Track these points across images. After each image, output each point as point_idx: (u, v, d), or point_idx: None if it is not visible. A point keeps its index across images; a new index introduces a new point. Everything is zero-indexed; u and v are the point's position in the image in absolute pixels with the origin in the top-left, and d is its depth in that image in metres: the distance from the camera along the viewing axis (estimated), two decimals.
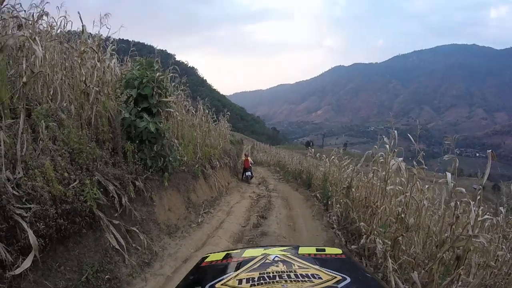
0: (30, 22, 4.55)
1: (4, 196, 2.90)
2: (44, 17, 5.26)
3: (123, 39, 7.33)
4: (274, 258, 1.40)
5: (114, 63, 6.49)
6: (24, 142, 3.50)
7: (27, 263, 2.84)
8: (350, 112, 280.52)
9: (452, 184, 3.48)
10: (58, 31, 5.83)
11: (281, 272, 1.22)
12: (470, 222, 3.08)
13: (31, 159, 3.51)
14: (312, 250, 1.59)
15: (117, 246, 4.34)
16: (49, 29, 5.52)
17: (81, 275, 3.63)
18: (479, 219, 3.17)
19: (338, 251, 1.61)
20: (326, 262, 1.41)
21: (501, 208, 4.23)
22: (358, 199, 7.06)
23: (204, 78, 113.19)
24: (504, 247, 4.06)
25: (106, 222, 4.31)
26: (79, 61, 5.28)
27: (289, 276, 1.18)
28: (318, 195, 10.83)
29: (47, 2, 5.13)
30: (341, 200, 7.88)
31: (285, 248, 1.57)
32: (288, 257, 1.41)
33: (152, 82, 6.12)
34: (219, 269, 1.43)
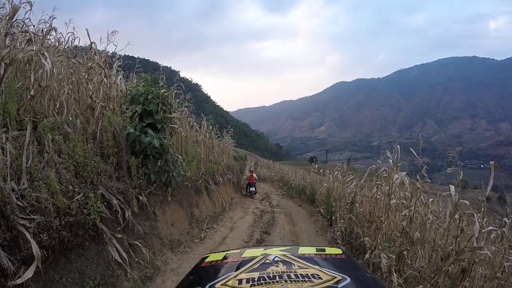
0: (39, 36, 4.66)
1: (8, 207, 2.92)
2: (52, 32, 5.40)
3: (129, 55, 7.47)
4: (274, 258, 1.40)
5: (120, 79, 6.59)
6: (29, 154, 3.54)
7: (29, 273, 2.83)
8: (353, 127, 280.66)
9: (456, 196, 3.46)
10: (66, 46, 5.96)
11: (281, 272, 1.22)
12: (474, 234, 3.06)
13: (36, 171, 3.54)
14: (312, 250, 1.59)
15: (119, 260, 4.32)
16: (57, 44, 5.65)
17: (82, 287, 3.61)
18: (483, 230, 3.15)
19: (338, 251, 1.60)
20: (326, 262, 1.40)
21: (505, 219, 4.18)
22: (362, 214, 7.02)
23: (208, 95, 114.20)
24: (510, 258, 4.00)
25: (109, 235, 4.31)
26: (86, 76, 5.38)
27: (289, 276, 1.18)
28: (321, 210, 10.76)
29: (54, 18, 5.27)
30: (345, 215, 7.82)
31: (285, 248, 1.57)
32: (288, 257, 1.41)
33: (157, 98, 6.21)
34: (219, 269, 1.43)
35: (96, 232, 4.10)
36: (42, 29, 5.12)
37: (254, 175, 17.46)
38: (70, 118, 4.89)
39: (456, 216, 3.51)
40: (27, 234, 2.91)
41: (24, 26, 4.50)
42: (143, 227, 5.43)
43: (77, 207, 3.77)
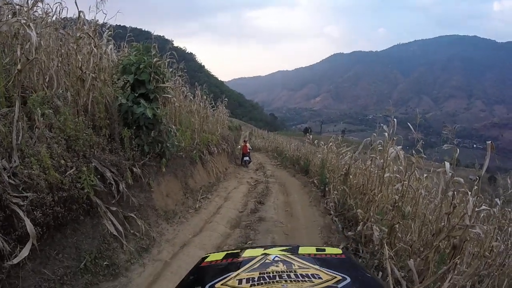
0: (25, 8, 4.46)
1: (0, 185, 2.89)
2: (39, 4, 5.15)
3: (120, 25, 7.21)
4: (274, 258, 1.40)
5: (111, 49, 6.40)
6: (19, 130, 3.46)
7: (25, 252, 2.84)
8: (349, 99, 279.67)
9: (450, 174, 3.48)
10: (54, 17, 5.72)
11: (281, 272, 1.22)
12: (467, 212, 3.10)
13: (27, 147, 3.48)
14: (312, 250, 1.60)
15: (115, 233, 4.35)
16: (44, 16, 5.42)
17: (79, 262, 3.65)
18: (476, 209, 3.19)
19: (338, 251, 1.61)
20: (326, 262, 1.40)
21: (497, 200, 4.25)
22: (356, 186, 7.09)
23: (202, 64, 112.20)
24: (499, 238, 4.11)
25: (103, 208, 4.32)
26: (75, 47, 5.20)
27: (289, 276, 1.17)
28: (315, 181, 10.89)
29: None
30: (339, 187, 7.91)
31: (285, 248, 1.57)
32: (288, 257, 1.41)
33: (149, 67, 6.06)
34: (219, 269, 1.43)
35: (91, 206, 4.11)
36: (28, 1, 4.87)
37: (248, 145, 17.63)
38: (60, 91, 4.76)
39: (449, 193, 3.55)
40: (21, 213, 2.90)
41: None
42: (138, 199, 5.44)
43: (70, 182, 3.74)
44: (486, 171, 3.13)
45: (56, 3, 5.55)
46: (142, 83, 6.04)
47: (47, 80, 4.80)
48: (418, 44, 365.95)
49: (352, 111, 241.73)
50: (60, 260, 3.44)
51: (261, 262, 1.37)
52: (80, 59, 5.14)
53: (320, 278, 1.14)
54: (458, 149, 3.50)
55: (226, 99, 18.21)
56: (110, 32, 6.33)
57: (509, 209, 4.11)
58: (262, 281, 1.14)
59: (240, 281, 1.16)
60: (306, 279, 1.14)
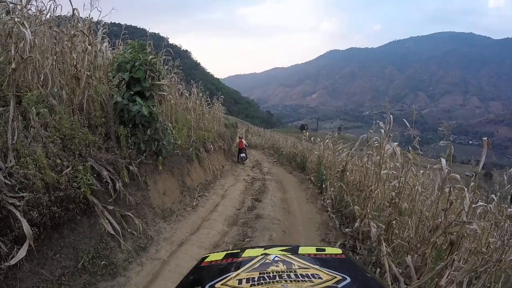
0: (18, 6, 4.41)
1: None
2: (33, 2, 5.10)
3: (114, 22, 7.19)
4: (274, 258, 1.39)
5: (106, 46, 6.37)
6: (15, 130, 3.44)
7: (22, 252, 2.83)
8: (345, 96, 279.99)
9: (447, 170, 3.50)
10: (48, 15, 5.67)
11: (281, 272, 1.22)
12: (464, 208, 3.11)
13: (22, 147, 3.45)
14: (312, 250, 1.59)
15: (112, 232, 4.34)
16: (38, 14, 5.36)
17: (77, 262, 3.64)
18: (473, 205, 3.20)
19: (338, 251, 1.61)
20: (326, 262, 1.40)
21: (493, 196, 4.28)
22: (352, 183, 7.12)
23: (198, 61, 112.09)
24: (495, 234, 4.13)
25: (100, 207, 4.30)
26: (70, 45, 5.16)
27: (289, 276, 1.17)
28: (312, 178, 10.91)
29: None
30: (336, 184, 7.94)
31: (285, 248, 1.57)
32: (288, 257, 1.41)
33: (144, 65, 6.02)
34: (219, 269, 1.43)
35: (87, 205, 4.09)
36: None
37: (244, 141, 17.71)
38: (56, 90, 4.73)
39: (446, 190, 3.56)
40: (17, 213, 2.88)
41: None
42: (135, 197, 5.43)
43: (67, 181, 3.72)
44: (482, 167, 3.14)
45: (50, 0, 5.50)
46: (138, 80, 6.01)
47: (41, 78, 4.75)
48: (414, 40, 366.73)
49: (348, 108, 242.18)
50: (57, 261, 3.42)
51: (261, 262, 1.36)
52: (74, 57, 5.10)
53: (320, 278, 1.14)
54: (453, 146, 3.51)
55: (222, 96, 18.19)
56: (105, 30, 6.29)
57: (506, 205, 4.13)
58: (262, 281, 1.13)
59: (240, 281, 1.16)
60: (306, 279, 1.13)
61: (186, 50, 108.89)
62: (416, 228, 4.47)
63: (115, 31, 7.15)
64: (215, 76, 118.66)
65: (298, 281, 1.12)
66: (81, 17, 5.54)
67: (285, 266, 1.28)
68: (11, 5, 4.28)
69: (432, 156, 4.78)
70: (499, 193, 4.29)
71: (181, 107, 10.46)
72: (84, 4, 5.39)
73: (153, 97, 6.34)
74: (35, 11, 5.29)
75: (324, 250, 1.59)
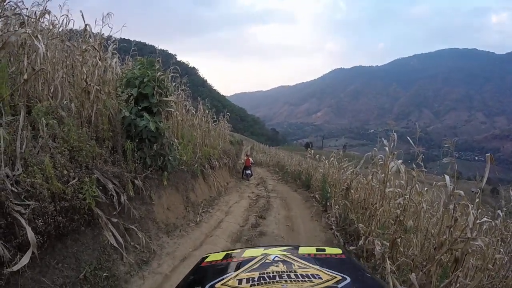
0: (32, 20, 4.55)
1: (2, 193, 2.89)
2: (46, 15, 5.27)
3: (124, 38, 7.37)
4: (274, 258, 1.40)
5: (116, 62, 6.50)
6: (23, 139, 3.50)
7: (25, 260, 2.83)
8: (350, 114, 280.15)
9: (451, 187, 3.49)
10: (60, 29, 5.84)
11: (281, 272, 1.23)
12: (468, 224, 3.09)
13: (30, 156, 3.50)
14: (312, 250, 1.60)
15: (115, 244, 4.33)
16: (51, 27, 5.53)
17: (79, 272, 3.62)
18: (477, 221, 3.18)
19: (338, 251, 1.61)
20: (326, 262, 1.41)
21: (499, 212, 4.24)
22: (357, 201, 7.07)
23: (205, 79, 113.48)
24: (502, 250, 4.07)
25: (104, 220, 4.31)
26: (81, 60, 5.29)
27: (289, 276, 1.18)
28: (317, 196, 10.84)
29: (49, 0, 5.14)
30: (340, 202, 7.88)
31: (285, 248, 1.58)
32: (288, 257, 1.41)
33: (153, 81, 6.14)
34: (219, 269, 1.43)
35: (92, 216, 4.10)
36: (36, 12, 4.99)
37: (250, 159, 18.04)
38: (65, 102, 4.82)
39: (451, 206, 3.54)
40: (22, 221, 2.90)
41: (17, 9, 4.40)
42: (139, 211, 5.44)
43: (72, 192, 3.75)
44: (488, 183, 3.13)
45: (62, 15, 5.69)
46: (146, 96, 6.11)
47: (52, 90, 4.85)
48: (418, 58, 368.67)
49: (353, 126, 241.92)
50: (59, 270, 3.42)
51: (261, 262, 1.37)
52: (85, 71, 5.22)
53: (320, 278, 1.14)
54: (459, 162, 3.51)
55: (228, 113, 18.36)
56: (115, 46, 6.44)
57: (511, 221, 4.09)
58: (262, 281, 1.14)
59: (240, 281, 1.16)
60: (306, 279, 1.14)
61: (194, 67, 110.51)
62: (421, 245, 4.42)
63: (125, 47, 7.31)
64: (221, 94, 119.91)
65: (298, 281, 1.13)
66: (92, 32, 5.69)
67: (285, 266, 1.29)
68: (25, 17, 4.42)
69: (437, 173, 4.76)
70: (505, 209, 4.25)
71: (187, 124, 10.57)
72: (96, 20, 5.57)
73: (160, 113, 6.43)
74: (48, 24, 5.46)
75: (324, 250, 1.59)
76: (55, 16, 5.59)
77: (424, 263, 3.99)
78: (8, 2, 4.14)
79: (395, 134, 5.11)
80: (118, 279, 4.11)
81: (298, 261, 1.35)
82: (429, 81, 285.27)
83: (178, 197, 7.52)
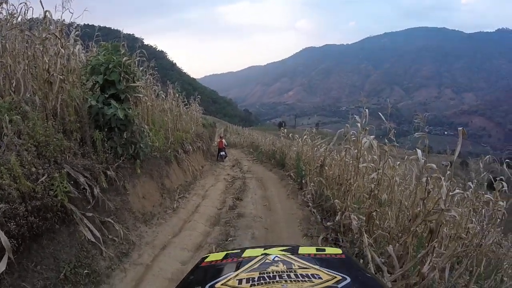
0: None
1: None
2: (4, 5, 4.92)
3: (88, 24, 7.01)
4: (274, 258, 1.40)
5: (79, 49, 6.21)
6: None
7: (2, 266, 2.73)
8: (321, 92, 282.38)
9: (423, 160, 3.61)
10: (19, 19, 5.48)
11: (281, 272, 1.23)
12: (442, 196, 3.22)
13: None
14: (312, 250, 1.61)
15: (92, 239, 4.23)
16: (9, 18, 5.18)
17: (58, 272, 3.53)
18: (450, 193, 3.32)
19: (338, 251, 1.63)
20: (326, 262, 1.42)
21: (469, 183, 4.45)
22: (332, 177, 7.23)
23: (174, 62, 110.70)
24: (474, 220, 4.30)
25: (79, 215, 4.18)
26: (41, 49, 5.00)
27: (289, 276, 1.18)
28: (292, 174, 11.01)
29: None
30: (315, 179, 8.04)
31: (285, 248, 1.58)
32: (288, 257, 1.42)
33: (119, 67, 5.90)
34: (219, 269, 1.43)
35: (66, 213, 3.96)
36: None
37: (224, 141, 18.15)
38: (28, 96, 4.58)
39: (423, 179, 3.67)
40: None
41: None
42: (114, 202, 5.33)
43: (43, 190, 3.60)
44: (458, 156, 3.26)
45: (21, 3, 5.35)
46: (112, 83, 5.88)
47: (13, 84, 4.62)
48: (388, 36, 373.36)
49: (325, 104, 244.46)
50: (39, 272, 3.31)
51: (261, 262, 1.37)
52: (47, 61, 4.95)
53: (320, 278, 1.15)
54: (429, 137, 3.62)
55: (199, 96, 18.12)
56: (77, 32, 6.14)
57: (482, 192, 4.30)
58: (262, 281, 1.14)
59: (240, 281, 1.16)
60: (306, 279, 1.14)
61: (162, 51, 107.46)
62: (396, 218, 4.60)
63: (88, 33, 6.99)
64: (191, 76, 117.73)
65: (298, 281, 1.13)
66: (53, 19, 5.37)
67: (285, 266, 1.29)
68: None
69: (408, 148, 4.93)
70: (475, 181, 4.47)
71: (158, 109, 10.36)
72: (55, 6, 5.24)
73: (128, 100, 6.23)
74: (5, 14, 5.11)
75: (324, 250, 1.61)
76: (13, 5, 5.25)
77: (400, 234, 4.16)
78: None
79: (366, 110, 5.21)
80: (100, 275, 4.03)
81: (298, 261, 1.35)
82: (399, 59, 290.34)
83: (153, 184, 7.41)
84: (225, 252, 1.65)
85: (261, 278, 1.17)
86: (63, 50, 5.27)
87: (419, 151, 3.65)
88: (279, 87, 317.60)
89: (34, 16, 5.79)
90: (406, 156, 5.14)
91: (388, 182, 5.04)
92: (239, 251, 1.64)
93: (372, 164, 5.58)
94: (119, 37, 6.47)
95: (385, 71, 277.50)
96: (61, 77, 5.03)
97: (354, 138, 5.77)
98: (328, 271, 1.21)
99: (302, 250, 1.59)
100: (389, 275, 3.60)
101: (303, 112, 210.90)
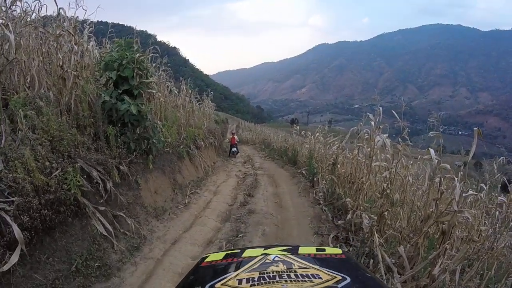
0: (3, 8, 4.33)
1: None
2: (18, 2, 5.01)
3: (101, 21, 7.10)
4: (274, 258, 1.39)
5: (92, 45, 6.28)
6: (2, 134, 3.40)
7: (15, 258, 2.78)
8: (334, 89, 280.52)
9: (437, 160, 3.54)
10: (33, 16, 5.58)
11: (281, 272, 1.22)
12: (455, 197, 3.15)
13: (10, 151, 3.40)
14: (312, 250, 1.60)
15: (104, 233, 4.30)
16: (23, 15, 5.27)
17: (70, 265, 3.60)
18: (463, 195, 3.25)
19: (338, 251, 1.61)
20: (326, 262, 1.40)
21: (482, 185, 4.35)
22: (344, 176, 7.16)
23: (187, 58, 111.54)
24: (486, 222, 4.21)
25: (91, 209, 4.25)
26: (55, 46, 5.08)
27: (289, 276, 1.17)
28: (303, 172, 10.94)
29: None
30: (327, 177, 7.98)
31: (285, 248, 1.57)
32: (288, 257, 1.41)
33: (132, 63, 5.95)
34: (219, 269, 1.42)
35: (78, 207, 4.04)
36: (6, 0, 4.72)
37: (236, 137, 18.17)
38: (43, 91, 4.66)
39: (437, 180, 3.61)
40: (7, 218, 2.84)
41: None
42: (126, 197, 5.40)
43: (56, 183, 3.67)
44: (472, 157, 3.19)
45: (35, 1, 5.43)
46: (126, 79, 5.94)
47: (28, 80, 4.69)
48: (402, 33, 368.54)
49: (338, 101, 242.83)
50: (50, 264, 3.38)
51: (261, 262, 1.36)
52: (61, 57, 5.03)
53: (320, 278, 1.14)
54: (443, 136, 3.55)
55: (211, 92, 18.19)
56: (91, 29, 6.21)
57: (496, 194, 4.20)
58: (262, 281, 1.13)
59: (240, 281, 1.16)
60: (306, 279, 1.13)
61: (175, 47, 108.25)
62: (408, 218, 4.53)
63: (102, 30, 7.06)
64: (204, 73, 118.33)
65: (298, 281, 1.12)
66: (67, 17, 5.45)
67: (285, 266, 1.28)
68: None
69: (422, 147, 4.84)
70: (489, 182, 4.37)
71: (171, 105, 10.40)
72: (69, 3, 5.32)
73: (141, 95, 6.28)
74: (20, 12, 5.20)
75: (324, 250, 1.60)
76: (27, 3, 5.34)
77: (411, 235, 4.10)
78: None
79: (380, 108, 5.13)
80: (111, 268, 4.10)
81: (298, 261, 1.34)
82: (413, 56, 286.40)
83: (165, 180, 7.47)
84: (225, 252, 1.65)
85: (261, 278, 1.16)
86: (76, 47, 5.36)
87: (432, 151, 3.58)
88: (291, 83, 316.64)
89: (48, 14, 5.90)
90: (419, 156, 5.06)
91: (400, 181, 4.97)
92: (239, 251, 1.63)
93: (384, 163, 5.50)
94: (132, 34, 6.52)
95: (399, 68, 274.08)
96: (75, 73, 5.10)
97: (367, 136, 5.71)
98: (328, 271, 1.20)
99: (302, 250, 1.57)
100: (399, 276, 3.55)
101: (315, 109, 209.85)
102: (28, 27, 5.13)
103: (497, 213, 4.12)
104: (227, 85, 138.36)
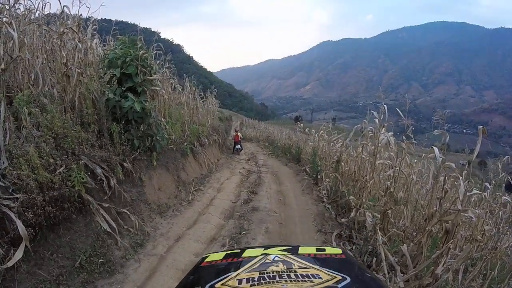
0: (6, 6, 4.34)
1: None
2: (22, 1, 5.03)
3: (105, 18, 7.11)
4: (274, 258, 1.39)
5: (96, 43, 6.30)
6: (7, 131, 3.41)
7: (19, 254, 2.81)
8: (338, 87, 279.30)
9: (441, 158, 3.52)
10: (37, 14, 5.61)
11: (281, 272, 1.21)
12: (459, 196, 3.14)
13: (15, 148, 3.43)
14: (312, 250, 1.59)
15: (108, 229, 4.33)
16: (27, 13, 5.29)
17: (74, 261, 3.63)
18: (468, 194, 3.23)
19: (338, 251, 1.61)
20: (326, 262, 1.40)
21: (487, 184, 4.31)
22: (348, 173, 7.14)
23: (191, 55, 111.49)
24: (490, 222, 4.18)
25: (95, 205, 4.28)
26: (59, 43, 5.10)
27: (289, 276, 1.17)
28: (307, 169, 10.93)
29: None
30: (331, 174, 7.96)
31: (285, 248, 1.57)
32: (288, 257, 1.40)
33: (135, 60, 5.95)
34: (219, 269, 1.42)
35: (82, 203, 4.07)
36: None
37: (239, 134, 18.35)
38: (47, 89, 4.68)
39: (441, 178, 3.59)
40: (12, 214, 2.86)
41: None
42: (130, 194, 5.42)
43: (60, 180, 3.70)
44: (476, 156, 3.17)
45: None
46: (129, 76, 5.94)
47: (32, 78, 4.71)
48: (407, 30, 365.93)
49: (342, 99, 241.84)
50: (54, 260, 3.41)
51: (261, 262, 1.36)
52: (64, 55, 5.05)
53: (320, 278, 1.13)
54: (448, 134, 3.53)
55: (215, 89, 18.19)
56: (94, 26, 6.23)
57: (500, 193, 4.17)
58: (262, 281, 1.13)
59: (240, 281, 1.15)
60: (306, 279, 1.13)
61: (178, 44, 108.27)
62: (412, 217, 4.51)
63: (106, 27, 7.08)
64: (208, 70, 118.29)
65: (298, 281, 1.12)
66: (70, 14, 5.47)
67: (285, 266, 1.28)
68: None
69: (426, 146, 4.81)
70: (493, 181, 4.33)
71: (174, 102, 10.42)
72: (73, 1, 5.33)
73: (145, 93, 6.28)
74: (23, 10, 5.22)
75: (324, 250, 1.59)
76: (30, 1, 5.36)
77: (415, 234, 4.09)
78: None
79: (385, 105, 5.10)
80: (114, 264, 4.13)
81: (298, 261, 1.34)
82: (418, 54, 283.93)
83: (169, 177, 7.48)
84: (225, 252, 1.65)
85: (261, 278, 1.16)
86: (80, 45, 5.38)
87: (436, 149, 3.55)
88: (295, 81, 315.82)
89: (52, 12, 5.92)
90: (423, 154, 5.03)
91: (404, 180, 4.95)
92: (239, 251, 1.63)
93: (388, 161, 5.48)
94: (136, 31, 6.53)
95: (403, 66, 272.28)
96: (78, 70, 5.12)
97: (371, 134, 5.68)
98: (328, 271, 1.19)
99: (302, 250, 1.57)
100: (402, 274, 3.54)
101: (319, 106, 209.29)
102: (31, 25, 5.15)
103: (501, 212, 4.09)
104: (231, 82, 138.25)
